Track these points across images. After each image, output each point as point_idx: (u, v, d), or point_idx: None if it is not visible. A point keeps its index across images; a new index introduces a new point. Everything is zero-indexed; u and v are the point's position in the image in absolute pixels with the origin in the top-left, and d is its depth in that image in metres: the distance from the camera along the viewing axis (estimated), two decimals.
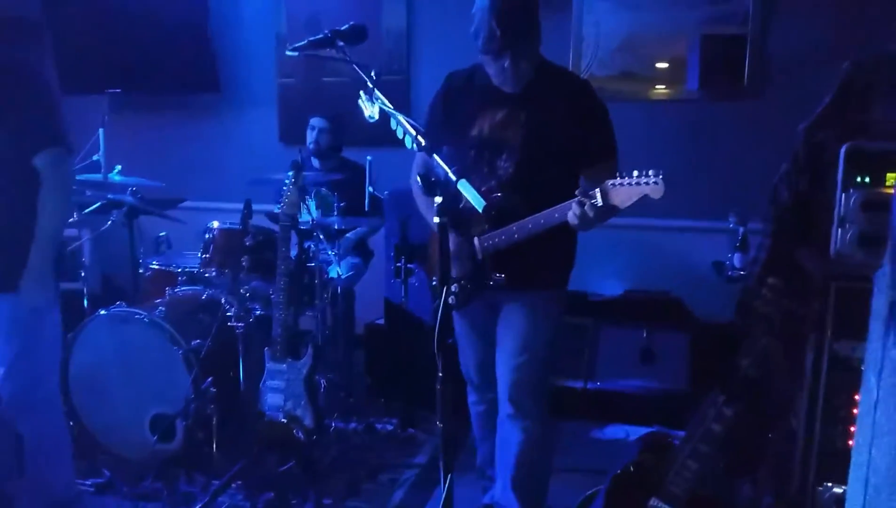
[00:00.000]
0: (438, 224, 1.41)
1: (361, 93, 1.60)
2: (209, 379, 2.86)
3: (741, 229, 3.49)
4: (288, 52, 1.75)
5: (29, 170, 2.06)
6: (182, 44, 4.49)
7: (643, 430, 3.46)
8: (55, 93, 2.14)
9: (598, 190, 1.98)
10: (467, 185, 1.41)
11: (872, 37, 2.31)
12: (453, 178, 1.42)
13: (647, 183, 1.92)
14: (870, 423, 1.08)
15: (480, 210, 1.40)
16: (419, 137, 1.50)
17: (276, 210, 2.86)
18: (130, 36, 4.50)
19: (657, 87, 4.00)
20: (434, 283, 2.46)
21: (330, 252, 3.36)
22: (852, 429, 1.94)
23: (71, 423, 2.90)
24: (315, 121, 3.84)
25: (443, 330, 1.49)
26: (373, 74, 1.60)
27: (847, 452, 1.88)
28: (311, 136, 3.84)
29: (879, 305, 1.16)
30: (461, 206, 1.46)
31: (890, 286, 1.07)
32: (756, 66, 3.81)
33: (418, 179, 1.45)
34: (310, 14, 4.43)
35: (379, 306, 3.84)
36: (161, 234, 3.94)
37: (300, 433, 2.75)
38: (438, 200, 1.40)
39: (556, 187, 2.14)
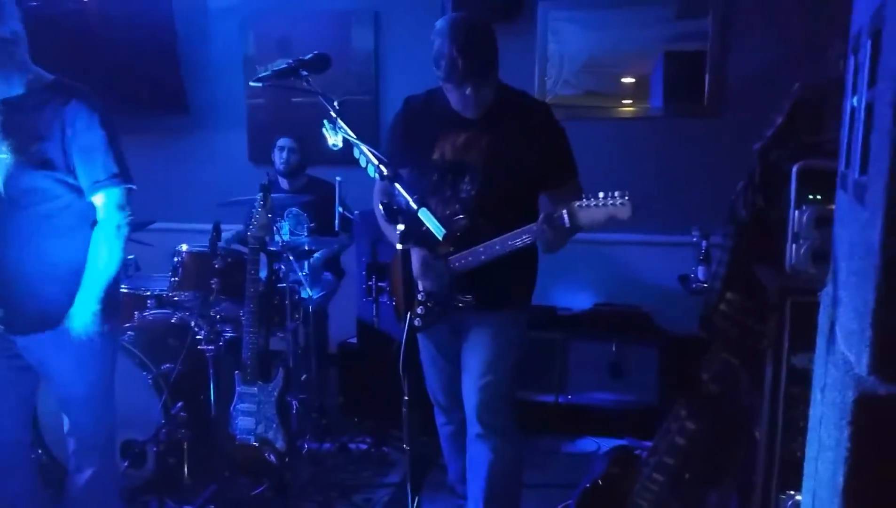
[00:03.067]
0: (400, 251, 1.44)
1: (325, 121, 1.63)
2: (179, 404, 2.85)
3: (704, 243, 3.57)
4: (252, 84, 1.77)
5: (87, 206, 2.07)
6: (150, 65, 4.48)
7: (614, 443, 3.52)
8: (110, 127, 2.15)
9: (565, 212, 2.02)
10: (428, 213, 1.44)
11: (825, 59, 2.39)
12: (414, 206, 1.45)
13: (613, 204, 1.96)
14: (816, 437, 1.13)
15: (440, 238, 1.44)
16: (381, 167, 1.53)
17: (245, 232, 2.87)
18: (97, 58, 4.49)
19: (622, 104, 4.08)
20: (394, 300, 2.49)
21: (301, 273, 3.37)
22: None
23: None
24: (283, 141, 3.87)
25: (408, 354, 1.51)
26: (336, 103, 1.63)
27: None
28: (280, 156, 3.87)
29: (822, 323, 1.21)
30: (424, 229, 1.49)
31: (830, 305, 1.13)
32: (716, 84, 3.91)
33: (380, 206, 1.48)
34: (279, 36, 4.46)
35: (352, 324, 3.85)
36: (129, 257, 3.91)
37: (272, 456, 2.74)
38: (400, 227, 1.44)
39: (518, 209, 2.19)
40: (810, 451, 1.20)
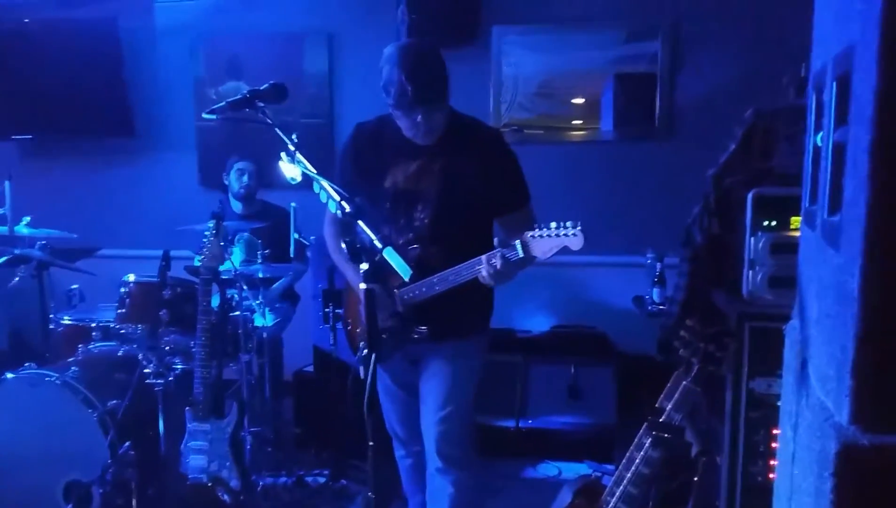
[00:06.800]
0: (365, 291, 1.39)
1: (283, 154, 1.58)
2: (127, 443, 2.72)
3: (658, 265, 3.61)
4: (205, 116, 1.71)
5: None
6: (95, 87, 4.35)
7: (575, 466, 3.51)
8: None
9: (517, 242, 2.00)
10: (393, 253, 1.40)
11: (776, 85, 2.46)
12: (379, 246, 1.41)
13: (566, 235, 1.96)
14: (788, 475, 1.12)
15: (406, 279, 1.40)
16: (343, 203, 1.49)
17: (196, 262, 2.78)
18: (40, 80, 4.35)
19: (575, 127, 4.12)
20: (349, 328, 2.44)
21: (254, 302, 3.28)
22: (773, 462, 2.02)
23: None
24: (243, 164, 3.78)
25: (372, 396, 1.46)
26: (294, 137, 1.58)
27: (768, 486, 1.95)
28: (240, 180, 3.78)
29: (790, 358, 1.21)
30: (377, 258, 1.44)
31: (800, 342, 1.12)
32: (666, 107, 3.98)
33: (343, 245, 1.43)
34: (230, 57, 4.37)
35: (308, 352, 3.77)
36: (73, 286, 3.76)
37: (226, 496, 2.64)
38: (364, 266, 1.39)
39: (472, 237, 2.17)
40: (782, 489, 1.19)
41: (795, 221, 2.01)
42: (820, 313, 0.96)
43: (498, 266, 1.99)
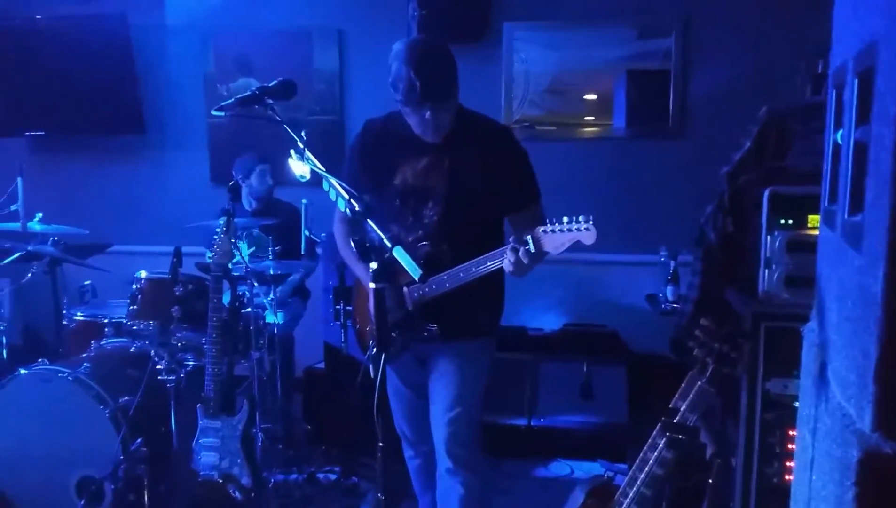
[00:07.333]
0: (374, 290, 1.38)
1: (292, 151, 1.56)
2: (139, 439, 2.73)
3: (672, 263, 3.58)
4: (214, 113, 1.70)
5: None
6: (106, 84, 4.36)
7: (587, 465, 3.49)
8: None
9: (529, 237, 1.98)
10: (402, 252, 1.39)
11: (791, 82, 2.43)
12: (388, 245, 1.40)
13: (578, 229, 1.94)
14: (807, 481, 1.10)
15: (416, 278, 1.38)
16: (353, 202, 1.47)
17: (207, 259, 2.77)
18: (51, 76, 4.37)
19: (587, 124, 4.09)
20: (358, 326, 2.43)
21: (265, 299, 3.28)
22: (788, 464, 1.99)
23: None
24: (263, 166, 3.76)
25: (382, 396, 1.45)
26: (303, 134, 1.57)
27: (784, 488, 1.92)
28: (264, 181, 3.76)
29: (809, 361, 1.18)
30: (387, 255, 1.43)
31: (819, 345, 1.10)
32: (679, 104, 3.94)
33: (352, 244, 1.42)
34: (239, 54, 4.36)
35: (318, 349, 3.76)
36: (85, 282, 3.77)
37: (237, 493, 2.64)
38: (374, 266, 1.38)
39: (481, 234, 2.16)
40: (799, 494, 1.17)
41: (812, 219, 1.98)
42: (840, 317, 0.94)
43: (513, 261, 1.97)
